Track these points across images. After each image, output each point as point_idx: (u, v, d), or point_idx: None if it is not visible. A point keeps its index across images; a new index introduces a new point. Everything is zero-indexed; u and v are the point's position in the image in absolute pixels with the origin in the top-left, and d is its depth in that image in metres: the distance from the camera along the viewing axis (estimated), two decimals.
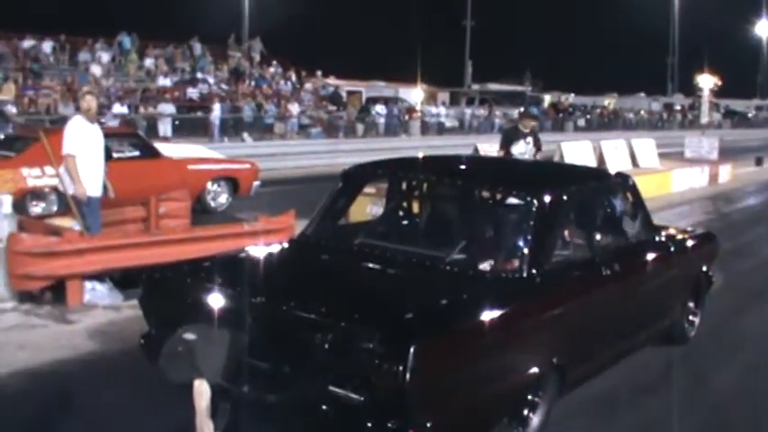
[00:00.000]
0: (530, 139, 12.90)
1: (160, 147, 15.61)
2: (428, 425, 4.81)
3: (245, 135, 28.60)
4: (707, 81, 40.51)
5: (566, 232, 6.86)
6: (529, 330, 5.78)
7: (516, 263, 5.99)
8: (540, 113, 48.43)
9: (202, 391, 5.23)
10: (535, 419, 5.83)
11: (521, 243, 6.12)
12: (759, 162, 33.16)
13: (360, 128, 34.04)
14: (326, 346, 4.96)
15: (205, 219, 13.84)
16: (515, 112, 47.13)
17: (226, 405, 5.53)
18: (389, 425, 4.77)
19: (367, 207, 14.30)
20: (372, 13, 76.27)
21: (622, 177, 8.04)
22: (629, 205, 7.59)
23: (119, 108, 25.92)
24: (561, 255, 6.53)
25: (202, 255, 8.26)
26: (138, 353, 6.21)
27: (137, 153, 14.21)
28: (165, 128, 26.66)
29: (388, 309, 5.28)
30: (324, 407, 4.99)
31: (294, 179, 22.83)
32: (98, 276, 9.11)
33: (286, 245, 7.03)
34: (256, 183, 16.60)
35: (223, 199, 15.99)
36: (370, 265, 6.31)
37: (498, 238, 6.70)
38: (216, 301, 5.46)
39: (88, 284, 9.03)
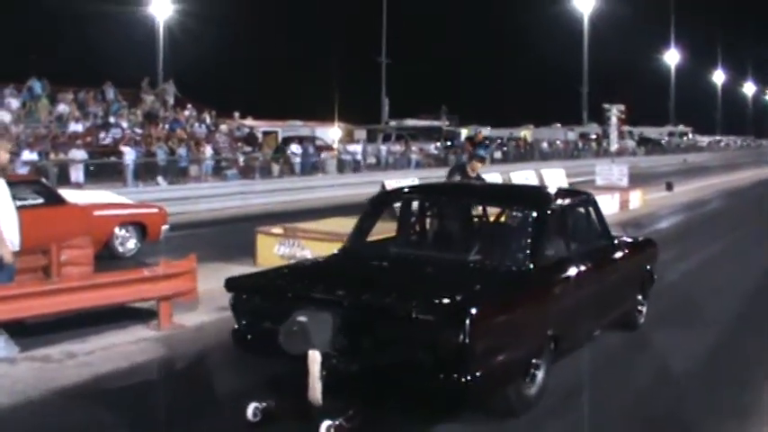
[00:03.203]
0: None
1: (66, 193, 15.46)
2: (477, 374, 6.56)
3: (160, 179, 28.49)
4: (615, 110, 41.45)
5: (553, 237, 8.63)
6: (533, 308, 7.70)
7: (521, 259, 7.98)
8: (459, 147, 49.07)
9: (315, 358, 6.67)
10: (539, 377, 7.60)
11: (524, 245, 8.12)
12: (670, 187, 34.09)
13: (276, 168, 34.09)
14: (398, 324, 6.74)
15: (113, 265, 13.75)
16: (432, 147, 47.77)
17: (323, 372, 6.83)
18: (454, 376, 6.51)
19: (275, 247, 14.51)
20: (289, 53, 76.59)
21: (588, 195, 10.24)
22: (594, 217, 9.74)
23: (28, 155, 25.54)
24: (550, 254, 8.40)
25: (104, 302, 9.23)
26: (33, 407, 6.28)
27: (40, 200, 14.04)
28: (77, 174, 26.33)
29: (441, 294, 6.97)
30: (398, 370, 6.75)
31: (208, 222, 22.91)
32: None
33: (335, 256, 8.97)
34: (165, 227, 16.48)
35: (131, 244, 15.91)
36: (410, 266, 8.36)
37: (506, 242, 8.58)
38: (297, 299, 7.21)
39: None
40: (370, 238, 9.30)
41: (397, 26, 63.82)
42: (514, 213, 9.21)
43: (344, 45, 71.46)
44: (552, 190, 11.28)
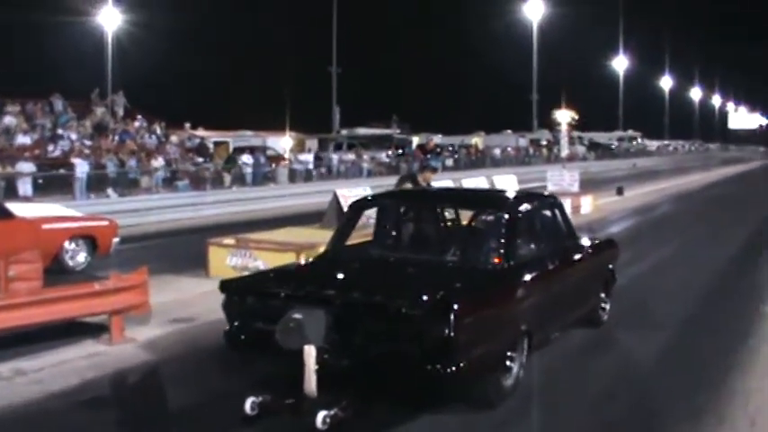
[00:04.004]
0: None
1: (13, 207, 15.23)
2: (461, 365, 7.01)
3: (110, 191, 28.17)
4: (564, 116, 41.79)
5: (525, 237, 9.10)
6: (509, 304, 8.22)
7: (496, 259, 8.46)
8: (410, 155, 49.15)
9: (311, 353, 7.07)
10: (514, 369, 8.03)
11: (498, 245, 8.59)
12: (620, 192, 34.47)
13: (227, 178, 33.89)
14: (387, 319, 7.19)
15: (63, 279, 13.57)
16: (383, 155, 47.78)
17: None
18: (439, 366, 6.98)
19: (227, 258, 14.41)
20: (239, 63, 76.23)
21: (554, 197, 11.02)
22: (560, 218, 10.20)
23: None
24: (523, 253, 8.87)
25: (54, 318, 9.76)
26: None
27: None
28: (24, 187, 25.92)
29: (426, 291, 7.35)
30: (387, 362, 7.24)
31: (159, 234, 22.68)
32: None
33: (319, 259, 9.65)
34: (116, 239, 16.30)
35: (81, 258, 15.64)
36: (393, 267, 8.87)
37: (482, 243, 9.01)
38: (285, 299, 7.65)
39: None
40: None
41: (347, 35, 63.87)
42: (488, 216, 9.83)
43: (295, 54, 71.37)
44: (522, 193, 11.94)
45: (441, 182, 27.13)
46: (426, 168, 14.03)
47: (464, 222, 10.42)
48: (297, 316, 7.18)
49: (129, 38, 46.62)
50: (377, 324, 7.29)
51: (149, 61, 54.90)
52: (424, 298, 7.28)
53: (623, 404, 8.29)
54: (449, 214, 10.42)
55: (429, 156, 50.43)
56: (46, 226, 15.06)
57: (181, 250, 18.25)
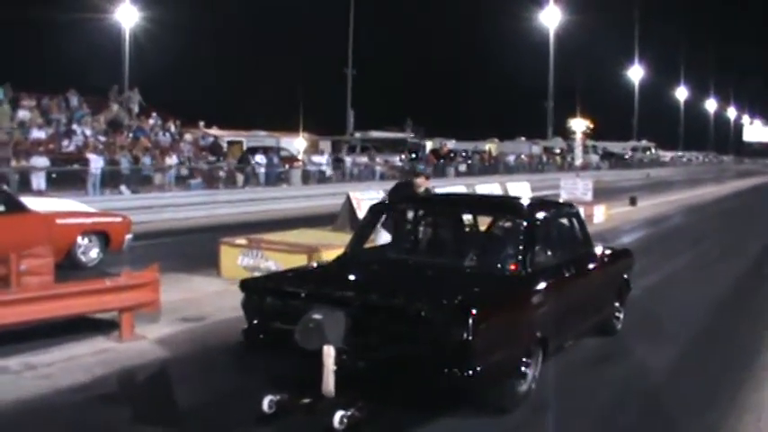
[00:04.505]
0: None
1: (28, 201, 15.24)
2: (478, 369, 7.04)
3: (123, 187, 28.23)
4: (579, 124, 41.84)
5: (542, 245, 9.13)
6: (525, 311, 8.26)
7: (514, 265, 8.50)
8: (423, 160, 49.10)
9: (330, 353, 7.15)
10: (529, 376, 8.07)
11: (517, 252, 8.65)
12: (633, 202, 34.33)
13: (240, 178, 33.91)
14: (407, 322, 7.26)
15: (74, 274, 13.54)
16: (397, 159, 47.76)
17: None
18: (456, 370, 7.00)
19: (238, 258, 14.39)
20: (255, 63, 76.34)
21: (571, 206, 11.09)
22: (577, 226, 10.25)
23: None
24: (540, 260, 8.89)
25: (65, 313, 9.71)
26: None
27: (1, 208, 13.87)
28: (38, 181, 26.02)
29: (445, 295, 7.48)
30: (405, 364, 7.27)
31: (171, 231, 22.69)
32: None
33: (338, 261, 9.48)
34: (129, 236, 16.27)
35: (94, 254, 15.65)
36: (411, 271, 8.90)
37: (500, 249, 9.11)
38: (305, 299, 7.75)
39: None
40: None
41: (364, 37, 63.91)
42: (506, 223, 9.94)
43: (311, 55, 71.49)
44: (540, 201, 12.06)
45: (454, 187, 27.20)
46: (418, 175, 13.31)
47: (482, 228, 10.43)
48: (317, 316, 7.25)
49: (145, 35, 46.80)
50: (396, 326, 7.37)
51: (165, 59, 54.98)
52: (444, 302, 7.37)
53: (634, 416, 8.24)
54: (467, 220, 10.45)
55: (442, 160, 50.49)
56: (60, 221, 15.06)
57: (192, 249, 18.25)
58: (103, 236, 15.84)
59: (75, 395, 8.27)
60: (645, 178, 66.58)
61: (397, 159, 48.04)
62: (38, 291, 9.83)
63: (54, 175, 27.33)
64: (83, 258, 15.50)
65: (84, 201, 20.32)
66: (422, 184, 12.77)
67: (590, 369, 9.74)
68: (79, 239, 15.40)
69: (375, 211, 10.40)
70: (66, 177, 27.90)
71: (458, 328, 7.00)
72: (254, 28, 79.53)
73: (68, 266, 14.55)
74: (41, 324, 9.70)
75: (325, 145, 52.32)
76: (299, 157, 42.98)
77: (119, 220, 16.49)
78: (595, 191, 30.54)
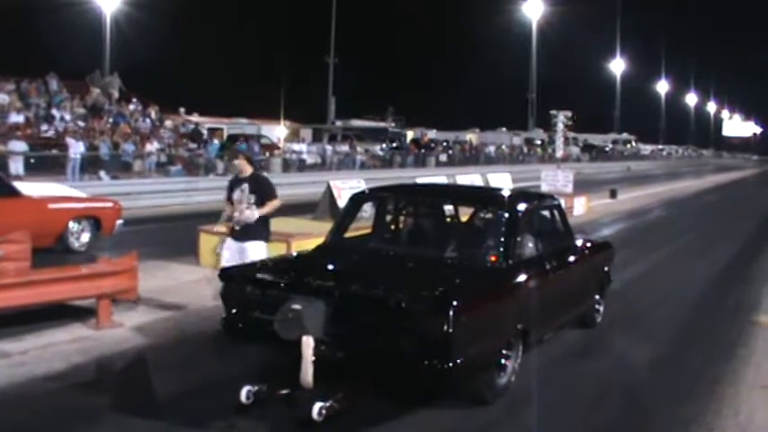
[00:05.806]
0: (246, 186, 10.51)
1: (20, 186, 15.18)
2: (458, 361, 6.96)
3: (103, 173, 28.02)
4: (560, 116, 41.77)
5: (524, 236, 9.03)
6: (506, 303, 8.23)
7: (495, 257, 8.46)
8: (404, 149, 49.03)
9: (309, 343, 7.08)
10: (509, 368, 8.08)
11: (498, 243, 8.62)
12: (614, 194, 34.46)
13: (220, 165, 33.72)
14: (387, 313, 7.06)
15: (66, 259, 13.81)
16: (377, 148, 47.71)
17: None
18: (436, 362, 6.91)
19: (217, 246, 14.24)
20: (236, 50, 76.04)
21: (553, 198, 11.05)
22: (559, 219, 10.24)
23: None
24: (521, 252, 8.85)
25: (41, 300, 9.62)
26: None
27: None
28: (16, 166, 25.80)
29: (426, 286, 7.45)
30: (385, 355, 7.16)
31: (151, 218, 22.52)
32: None
33: (318, 250, 9.38)
34: (120, 221, 16.38)
35: (85, 238, 15.68)
36: (392, 261, 8.83)
37: (481, 240, 9.03)
38: (284, 289, 7.64)
39: None
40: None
41: (346, 26, 63.70)
42: (488, 214, 9.82)
43: (292, 44, 71.26)
44: (522, 192, 11.77)
45: (435, 177, 27.11)
46: (233, 155, 11.75)
47: (463, 219, 10.36)
48: (296, 306, 7.20)
49: (126, 20, 46.44)
50: (375, 317, 7.25)
51: (146, 44, 54.61)
52: (424, 293, 7.31)
53: (612, 408, 8.22)
54: (448, 211, 10.37)
55: (423, 150, 50.39)
56: (52, 206, 15.10)
57: (172, 236, 18.17)
58: (95, 221, 15.87)
59: (50, 383, 8.15)
60: (625, 171, 66.85)
61: (377, 148, 47.97)
62: (14, 277, 9.68)
63: (32, 160, 27.10)
64: (75, 243, 15.54)
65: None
66: (244, 170, 10.82)
67: (569, 361, 9.71)
68: (71, 224, 15.43)
69: (356, 200, 10.26)
70: (45, 162, 27.67)
71: (438, 319, 6.92)
72: (236, 15, 79.23)
73: (61, 251, 14.90)
74: (17, 311, 9.58)
75: (306, 133, 52.24)
76: (280, 145, 42.84)
77: (110, 205, 16.56)
78: (576, 183, 30.58)
